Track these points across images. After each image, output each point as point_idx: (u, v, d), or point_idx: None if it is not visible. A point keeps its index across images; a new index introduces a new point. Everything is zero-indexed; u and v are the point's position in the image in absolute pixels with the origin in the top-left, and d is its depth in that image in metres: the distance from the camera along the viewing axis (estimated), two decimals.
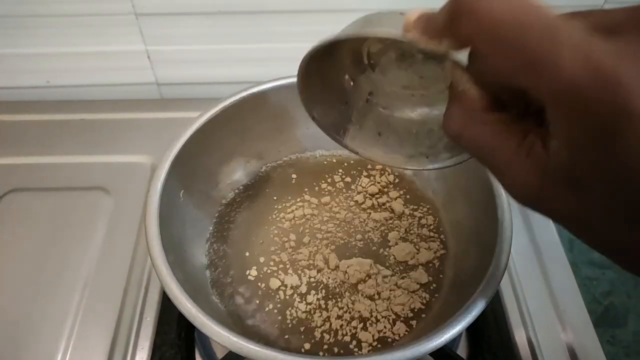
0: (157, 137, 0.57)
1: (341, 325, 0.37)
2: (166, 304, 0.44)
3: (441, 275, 0.40)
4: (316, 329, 0.37)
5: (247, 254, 0.41)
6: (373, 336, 0.36)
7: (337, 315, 0.38)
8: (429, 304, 0.38)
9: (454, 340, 0.43)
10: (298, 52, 0.57)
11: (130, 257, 0.47)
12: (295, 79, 0.43)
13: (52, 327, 0.43)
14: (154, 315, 0.44)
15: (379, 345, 0.36)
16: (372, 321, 0.37)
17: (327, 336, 0.37)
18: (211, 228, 0.42)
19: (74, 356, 0.41)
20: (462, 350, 0.42)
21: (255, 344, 0.29)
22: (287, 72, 0.44)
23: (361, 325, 0.37)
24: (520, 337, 0.43)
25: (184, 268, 0.37)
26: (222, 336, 0.29)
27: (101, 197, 0.51)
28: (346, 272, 0.39)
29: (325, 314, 0.38)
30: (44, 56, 0.57)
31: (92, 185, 0.52)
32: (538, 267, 0.47)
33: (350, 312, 0.38)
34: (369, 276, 0.39)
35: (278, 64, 0.59)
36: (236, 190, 0.45)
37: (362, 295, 0.38)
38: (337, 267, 0.40)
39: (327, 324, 0.37)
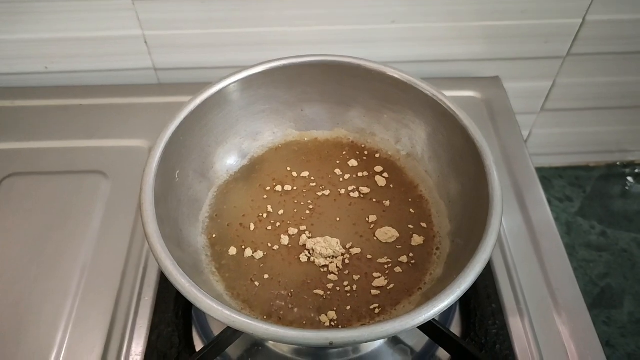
0: (155, 122, 0.57)
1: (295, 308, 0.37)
2: (164, 284, 0.45)
3: (431, 258, 0.40)
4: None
5: (241, 232, 0.42)
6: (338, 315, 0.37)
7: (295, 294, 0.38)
8: (414, 286, 0.38)
9: (447, 318, 0.43)
10: (293, 36, 0.58)
11: (128, 239, 0.48)
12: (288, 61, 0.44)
13: (52, 308, 0.44)
14: (152, 295, 0.44)
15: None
16: (336, 304, 0.37)
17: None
18: (207, 208, 0.43)
19: (74, 335, 0.42)
20: (454, 330, 0.43)
21: (247, 317, 0.29)
22: (281, 55, 0.44)
23: (317, 308, 0.37)
24: (513, 317, 0.43)
25: (181, 247, 0.37)
26: (215, 310, 0.30)
27: (100, 180, 0.52)
28: (313, 249, 0.40)
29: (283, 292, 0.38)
30: (42, 42, 0.58)
31: (90, 169, 0.53)
32: (532, 248, 0.47)
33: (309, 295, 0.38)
34: (335, 256, 0.39)
35: (275, 47, 0.59)
36: (231, 172, 0.45)
37: (327, 277, 0.39)
38: (304, 245, 0.40)
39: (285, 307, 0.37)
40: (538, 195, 0.51)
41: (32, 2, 0.54)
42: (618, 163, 0.78)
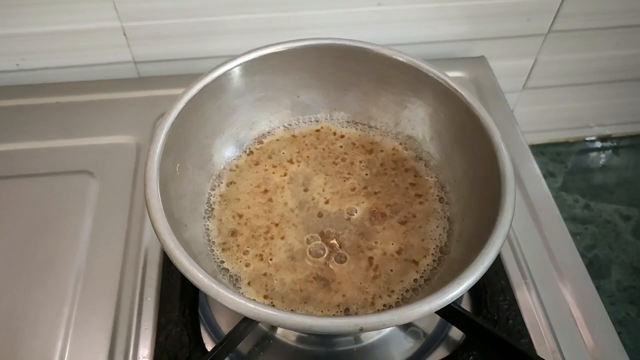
0: (138, 117, 0.56)
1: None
2: (166, 283, 0.43)
3: (440, 238, 0.40)
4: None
5: (244, 222, 0.41)
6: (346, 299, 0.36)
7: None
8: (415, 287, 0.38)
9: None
10: (279, 22, 0.57)
11: (123, 239, 0.46)
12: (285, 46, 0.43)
13: (49, 317, 0.41)
14: (154, 295, 0.43)
15: None
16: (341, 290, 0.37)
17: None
18: (208, 200, 0.42)
19: (75, 342, 0.40)
20: (465, 306, 0.43)
21: (275, 309, 0.28)
22: (268, 41, 0.43)
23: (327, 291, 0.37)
24: (521, 292, 0.43)
25: (187, 242, 0.36)
26: (239, 304, 0.29)
27: (86, 180, 0.50)
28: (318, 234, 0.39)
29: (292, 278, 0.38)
30: (13, 38, 0.54)
31: (75, 169, 0.51)
32: (532, 222, 0.48)
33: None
34: (335, 242, 0.39)
35: (257, 35, 0.58)
36: (230, 162, 0.44)
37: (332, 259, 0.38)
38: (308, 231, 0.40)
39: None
40: (533, 170, 0.52)
41: None
42: (595, 137, 0.80)
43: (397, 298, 0.37)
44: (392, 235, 0.40)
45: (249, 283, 0.37)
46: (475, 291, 0.43)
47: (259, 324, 0.41)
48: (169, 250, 0.31)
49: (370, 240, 0.39)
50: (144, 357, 0.40)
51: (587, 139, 0.80)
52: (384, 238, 0.39)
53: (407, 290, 0.37)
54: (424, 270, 0.38)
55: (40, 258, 0.45)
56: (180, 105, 0.38)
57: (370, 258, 0.38)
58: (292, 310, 0.36)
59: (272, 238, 0.40)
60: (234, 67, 0.42)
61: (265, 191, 0.42)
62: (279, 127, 0.46)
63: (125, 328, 0.41)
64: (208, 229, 0.40)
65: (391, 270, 0.38)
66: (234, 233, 0.40)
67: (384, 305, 0.36)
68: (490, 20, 0.60)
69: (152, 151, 0.35)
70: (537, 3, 0.59)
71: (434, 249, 0.39)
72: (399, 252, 0.39)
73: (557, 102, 0.73)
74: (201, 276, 0.30)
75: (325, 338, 0.42)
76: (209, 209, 0.41)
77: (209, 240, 0.40)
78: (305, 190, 0.42)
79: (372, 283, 0.37)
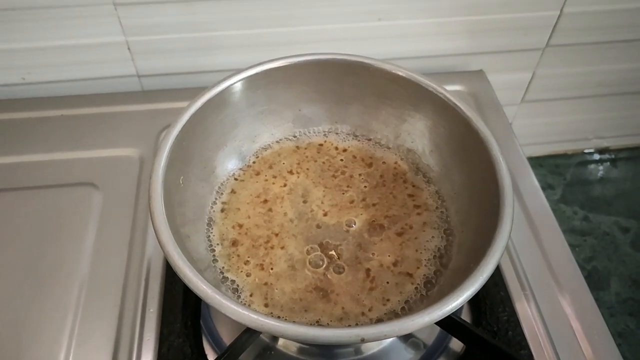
0: (141, 130, 0.56)
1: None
2: (169, 294, 0.43)
3: (440, 250, 0.40)
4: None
5: (245, 233, 0.41)
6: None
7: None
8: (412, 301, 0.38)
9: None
10: (279, 36, 0.58)
11: (126, 250, 0.46)
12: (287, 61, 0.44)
13: (53, 327, 0.42)
14: (157, 307, 0.43)
15: None
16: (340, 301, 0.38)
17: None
18: (210, 212, 0.42)
19: (78, 353, 0.41)
20: (465, 319, 0.43)
21: (279, 320, 0.29)
22: (270, 56, 0.44)
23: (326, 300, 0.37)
24: (520, 303, 0.44)
25: (191, 254, 0.36)
26: (242, 315, 0.29)
27: (90, 192, 0.50)
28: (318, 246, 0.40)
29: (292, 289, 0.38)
30: (19, 52, 0.55)
31: (79, 181, 0.51)
32: (531, 233, 0.48)
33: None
34: (334, 252, 0.40)
35: (259, 49, 0.59)
36: (232, 175, 0.45)
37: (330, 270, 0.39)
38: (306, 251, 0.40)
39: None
40: (531, 182, 0.52)
41: (5, 9, 0.52)
42: (594, 150, 0.81)
43: (394, 309, 0.37)
44: (388, 246, 0.40)
45: (251, 294, 0.38)
46: (475, 302, 0.44)
47: (261, 335, 0.41)
48: (173, 261, 0.32)
49: (368, 252, 0.40)
50: None
51: (585, 151, 0.81)
52: (381, 250, 0.40)
53: (405, 301, 0.37)
54: (419, 282, 0.38)
55: (44, 269, 0.45)
56: (184, 118, 0.39)
57: (368, 270, 0.39)
58: (292, 319, 0.37)
59: (272, 248, 0.40)
60: (237, 81, 0.42)
61: (265, 201, 0.43)
62: (281, 140, 0.47)
63: (128, 339, 0.41)
64: (210, 240, 0.41)
65: (387, 283, 0.38)
66: (234, 243, 0.40)
67: (383, 316, 0.37)
68: (488, 35, 0.61)
69: (157, 164, 0.36)
70: (534, 18, 0.60)
71: (428, 260, 0.39)
72: (394, 264, 0.39)
73: (555, 115, 0.74)
74: (205, 287, 0.30)
75: (326, 349, 0.42)
76: (211, 220, 0.42)
77: (211, 251, 0.40)
78: (305, 202, 0.43)
79: (368, 295, 0.38)
